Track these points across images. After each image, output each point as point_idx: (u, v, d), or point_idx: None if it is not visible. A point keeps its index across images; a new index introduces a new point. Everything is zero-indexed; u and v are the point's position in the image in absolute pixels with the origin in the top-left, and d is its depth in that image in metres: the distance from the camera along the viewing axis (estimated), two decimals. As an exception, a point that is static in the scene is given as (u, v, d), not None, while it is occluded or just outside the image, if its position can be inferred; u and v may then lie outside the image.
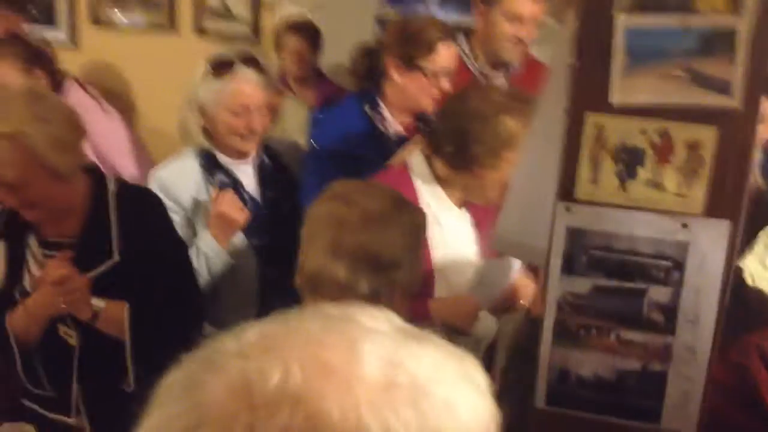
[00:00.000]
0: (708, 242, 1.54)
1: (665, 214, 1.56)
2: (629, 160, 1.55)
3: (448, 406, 0.67)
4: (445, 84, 2.76)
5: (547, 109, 1.75)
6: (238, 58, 2.69)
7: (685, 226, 1.55)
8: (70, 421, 2.26)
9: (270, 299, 2.68)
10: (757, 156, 2.25)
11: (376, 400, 0.64)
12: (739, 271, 1.78)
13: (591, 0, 1.52)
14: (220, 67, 2.67)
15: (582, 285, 1.61)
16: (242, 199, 2.72)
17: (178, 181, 2.70)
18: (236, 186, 2.75)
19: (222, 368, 0.67)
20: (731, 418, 1.84)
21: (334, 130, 2.83)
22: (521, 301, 2.37)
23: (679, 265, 1.57)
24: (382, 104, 2.85)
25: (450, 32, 2.86)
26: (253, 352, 0.67)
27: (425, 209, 2.02)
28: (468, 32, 3.32)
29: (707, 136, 1.52)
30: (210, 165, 2.74)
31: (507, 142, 2.20)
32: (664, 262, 1.57)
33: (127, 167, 3.10)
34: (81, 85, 3.21)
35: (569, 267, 1.61)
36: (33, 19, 4.65)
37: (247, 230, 2.71)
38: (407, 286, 1.83)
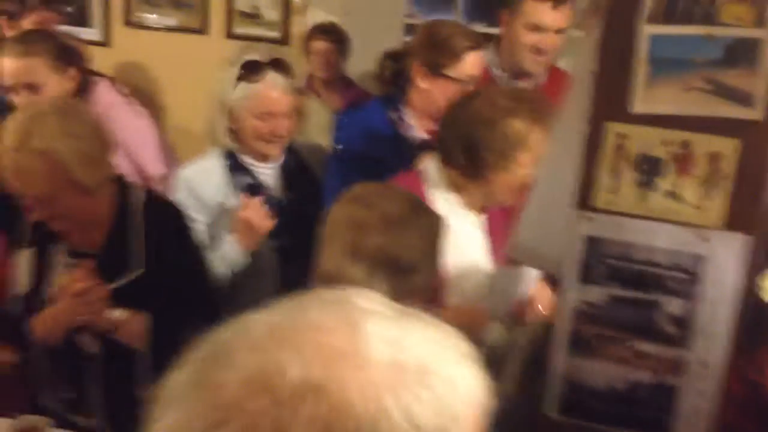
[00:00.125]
0: (726, 256, 1.53)
1: (684, 226, 1.55)
2: (649, 171, 1.55)
3: (451, 382, 0.69)
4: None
5: (569, 118, 1.75)
6: (268, 61, 2.71)
7: (703, 238, 1.54)
8: (89, 422, 2.28)
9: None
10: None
11: (389, 382, 0.65)
12: (756, 287, 1.76)
13: (614, 9, 1.52)
14: (251, 71, 2.68)
15: (597, 294, 1.61)
16: (266, 200, 2.73)
17: (203, 181, 2.72)
18: (260, 187, 2.76)
19: (234, 364, 0.66)
20: (741, 431, 1.82)
21: (358, 133, 2.83)
22: (538, 311, 2.35)
23: (696, 278, 1.56)
24: (406, 109, 2.85)
25: (478, 40, 2.86)
26: (265, 346, 0.67)
27: (438, 215, 2.01)
28: (496, 41, 3.31)
29: (729, 148, 1.51)
30: (234, 166, 2.76)
31: (516, 144, 2.19)
32: (680, 274, 1.56)
33: (153, 166, 3.13)
34: (111, 83, 3.24)
35: (585, 276, 1.60)
36: (67, 18, 4.73)
37: (271, 231, 2.72)
38: (425, 291, 1.83)
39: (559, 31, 3.11)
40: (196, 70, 4.27)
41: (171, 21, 4.74)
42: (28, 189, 2.10)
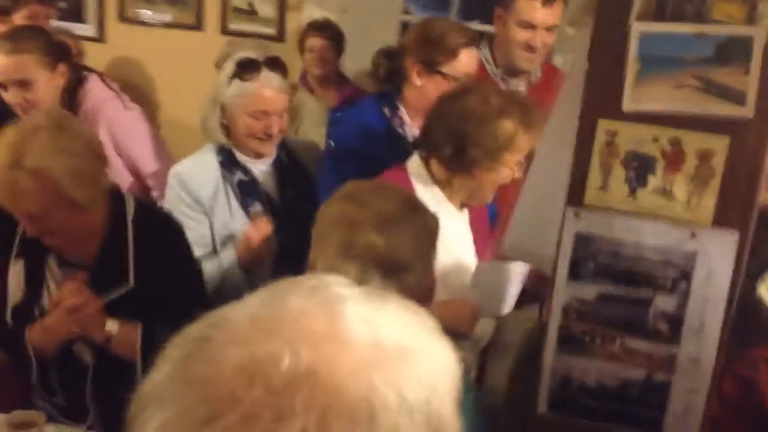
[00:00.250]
0: (716, 253, 1.54)
1: (674, 223, 1.55)
2: (640, 168, 1.55)
3: (427, 355, 0.71)
4: (465, 88, 2.75)
5: (561, 115, 1.76)
6: (263, 60, 2.71)
7: (693, 235, 1.54)
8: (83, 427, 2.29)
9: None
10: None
11: (374, 360, 0.66)
12: (748, 284, 1.77)
13: (607, 7, 1.53)
14: (246, 70, 2.68)
15: (588, 291, 1.61)
16: (258, 196, 2.73)
17: (197, 177, 2.72)
18: (253, 184, 2.76)
19: (219, 358, 0.66)
20: (732, 429, 1.82)
21: (352, 130, 2.83)
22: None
23: (686, 275, 1.56)
24: (400, 106, 2.85)
25: (472, 37, 2.85)
26: (249, 337, 0.67)
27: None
28: (490, 39, 3.31)
29: (719, 146, 1.51)
30: (229, 162, 2.76)
31: (505, 144, 2.19)
32: (670, 271, 1.57)
33: (146, 162, 3.11)
34: (102, 79, 3.23)
35: (576, 273, 1.61)
36: (61, 13, 4.72)
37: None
38: (417, 290, 1.82)
39: (550, 29, 3.11)
40: (191, 67, 4.27)
41: (166, 17, 4.73)
42: (21, 207, 2.08)
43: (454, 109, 2.28)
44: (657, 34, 1.49)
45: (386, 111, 2.84)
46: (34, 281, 2.27)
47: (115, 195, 2.29)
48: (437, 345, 0.73)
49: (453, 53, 2.76)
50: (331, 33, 4.06)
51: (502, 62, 3.25)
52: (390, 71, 2.89)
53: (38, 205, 2.05)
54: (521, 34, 3.11)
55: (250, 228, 2.62)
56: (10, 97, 2.89)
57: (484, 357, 2.51)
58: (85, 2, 4.80)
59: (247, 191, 2.74)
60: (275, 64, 2.71)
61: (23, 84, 2.87)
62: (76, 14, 4.79)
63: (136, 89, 4.62)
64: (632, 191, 1.56)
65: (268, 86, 2.66)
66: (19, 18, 3.39)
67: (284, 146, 2.84)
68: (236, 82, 2.66)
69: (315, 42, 4.04)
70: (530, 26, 3.10)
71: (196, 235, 2.68)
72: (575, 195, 1.59)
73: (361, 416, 0.64)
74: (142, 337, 2.21)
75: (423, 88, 2.80)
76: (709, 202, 1.53)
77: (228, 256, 2.64)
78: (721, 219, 1.53)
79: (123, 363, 2.22)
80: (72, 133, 2.12)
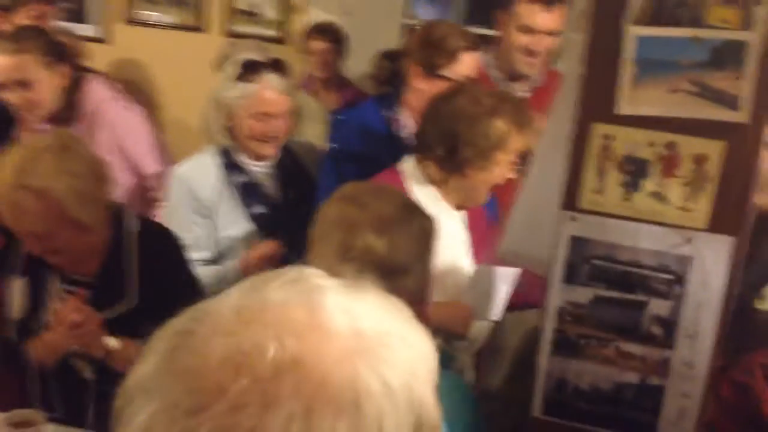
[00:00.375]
0: (711, 257, 1.54)
1: (669, 228, 1.55)
2: (635, 172, 1.55)
3: (406, 342, 0.72)
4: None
5: (558, 119, 1.76)
6: (266, 62, 2.71)
7: (688, 240, 1.55)
8: None
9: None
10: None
11: (356, 348, 0.68)
12: (744, 290, 1.77)
13: (602, 11, 1.53)
14: (248, 71, 2.69)
15: (583, 295, 1.61)
16: (259, 198, 2.74)
17: (199, 179, 2.72)
18: (255, 186, 2.77)
19: (204, 350, 0.67)
20: (726, 432, 1.83)
21: (352, 132, 2.83)
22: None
23: (681, 279, 1.56)
24: (401, 109, 2.85)
25: (473, 41, 2.85)
26: (233, 329, 0.68)
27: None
28: (492, 43, 3.32)
29: (714, 150, 1.51)
30: (230, 164, 2.76)
31: (497, 143, 2.19)
32: (665, 276, 1.57)
33: (147, 163, 3.12)
34: (104, 80, 3.23)
35: (570, 276, 1.61)
36: (65, 13, 4.74)
37: (266, 229, 2.73)
38: (414, 293, 1.82)
39: (551, 34, 3.11)
40: (194, 68, 4.28)
41: (170, 18, 4.75)
42: (24, 226, 2.10)
43: (446, 109, 2.28)
44: (652, 39, 1.49)
45: (386, 113, 2.84)
46: (36, 297, 2.29)
47: (117, 212, 2.31)
48: (414, 332, 0.75)
49: (453, 56, 2.76)
50: (333, 36, 4.07)
51: (503, 66, 3.25)
52: (391, 74, 2.89)
53: (42, 225, 2.07)
54: (522, 39, 3.12)
55: (258, 252, 2.63)
56: (11, 97, 2.90)
57: (480, 359, 2.52)
58: (90, 3, 4.82)
59: (248, 193, 2.74)
60: (277, 66, 2.71)
61: (24, 84, 2.88)
62: (80, 15, 4.81)
63: (140, 90, 4.64)
64: (627, 195, 1.56)
65: (269, 88, 2.67)
66: (21, 17, 3.40)
67: (285, 148, 2.85)
68: (238, 83, 2.66)
69: (318, 45, 4.04)
70: (530, 31, 3.10)
71: (196, 237, 2.69)
72: (570, 198, 1.59)
73: (347, 402, 0.65)
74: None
75: (423, 91, 2.80)
76: (704, 206, 1.53)
77: (232, 268, 2.65)
78: (716, 223, 1.53)
79: (123, 379, 2.23)
80: (76, 154, 2.14)
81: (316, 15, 4.37)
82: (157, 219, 3.01)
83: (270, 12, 4.58)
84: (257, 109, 2.66)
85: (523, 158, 2.27)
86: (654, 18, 1.49)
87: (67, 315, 2.14)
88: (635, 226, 1.57)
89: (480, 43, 2.95)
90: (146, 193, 3.14)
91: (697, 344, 1.58)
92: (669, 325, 1.59)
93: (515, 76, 3.24)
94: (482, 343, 2.39)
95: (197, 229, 2.69)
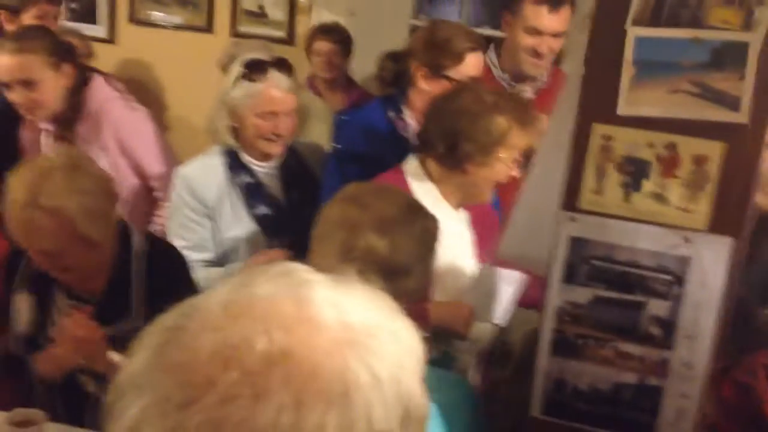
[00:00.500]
0: (710, 258, 1.54)
1: (668, 228, 1.55)
2: (635, 172, 1.55)
3: (393, 334, 0.73)
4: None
5: (561, 119, 1.76)
6: (271, 60, 2.72)
7: (687, 240, 1.55)
8: None
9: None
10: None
11: (345, 340, 0.69)
12: (745, 290, 1.77)
13: (603, 12, 1.53)
14: (253, 70, 2.70)
15: (582, 295, 1.61)
16: (263, 199, 2.75)
17: (203, 180, 2.73)
18: (259, 186, 2.77)
19: (194, 345, 0.68)
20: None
21: (357, 133, 2.84)
22: None
23: (680, 280, 1.56)
24: (406, 109, 2.86)
25: (478, 41, 2.86)
26: (222, 324, 0.69)
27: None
28: (498, 44, 3.32)
29: (714, 151, 1.51)
30: (235, 165, 2.77)
31: (498, 139, 2.20)
32: (665, 276, 1.57)
33: (151, 163, 3.12)
34: (108, 80, 3.24)
35: (570, 276, 1.61)
36: (74, 14, 4.76)
37: (270, 230, 2.73)
38: (417, 294, 1.82)
39: (557, 35, 3.11)
40: (200, 69, 4.29)
41: (176, 19, 4.77)
42: (36, 244, 2.13)
43: (448, 107, 2.29)
44: (653, 39, 1.50)
45: (391, 114, 2.85)
46: (43, 313, 2.31)
47: (123, 230, 2.33)
48: (401, 325, 0.76)
49: (459, 57, 2.76)
50: (338, 37, 4.07)
51: (509, 67, 3.25)
52: (396, 74, 2.89)
53: (54, 243, 2.10)
54: (528, 40, 3.11)
55: (264, 255, 2.63)
56: (15, 96, 2.91)
57: (488, 362, 2.51)
58: (97, 4, 4.84)
59: (252, 194, 2.75)
60: (282, 65, 2.72)
61: (28, 84, 2.89)
62: (87, 15, 4.83)
63: (146, 90, 4.66)
64: (627, 195, 1.57)
65: (275, 86, 2.67)
66: (27, 18, 3.41)
67: (290, 149, 2.85)
68: (244, 83, 2.67)
69: (322, 46, 4.05)
70: (537, 32, 3.10)
71: (200, 237, 2.70)
72: (570, 199, 1.59)
73: (336, 394, 0.66)
74: None
75: (429, 92, 2.80)
76: (703, 207, 1.53)
77: (236, 270, 2.66)
78: (716, 224, 1.53)
79: None
80: (85, 172, 2.18)
81: (322, 15, 4.37)
82: (161, 219, 3.03)
83: (277, 13, 4.59)
84: (264, 108, 2.66)
85: (527, 157, 2.28)
86: (654, 19, 1.49)
87: (74, 330, 2.17)
88: (635, 226, 1.57)
89: (485, 43, 2.95)
90: (150, 193, 3.14)
91: (696, 345, 1.58)
92: (668, 325, 1.59)
93: (521, 77, 3.24)
94: (486, 345, 2.39)
95: (201, 229, 2.70)
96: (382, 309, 0.75)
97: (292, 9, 4.57)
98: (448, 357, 2.28)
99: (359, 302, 0.74)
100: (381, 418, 0.68)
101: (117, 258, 2.28)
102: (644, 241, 1.57)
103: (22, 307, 2.32)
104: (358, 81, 4.19)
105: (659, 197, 1.55)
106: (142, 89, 4.50)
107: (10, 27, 3.37)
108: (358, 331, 0.70)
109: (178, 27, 4.77)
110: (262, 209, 2.76)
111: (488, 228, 2.44)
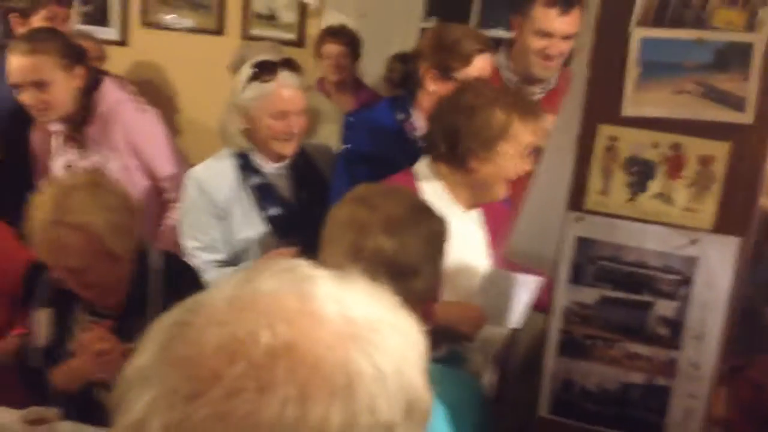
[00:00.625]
0: (717, 258, 1.54)
1: (675, 229, 1.55)
2: (640, 173, 1.56)
3: (395, 328, 0.75)
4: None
5: (566, 119, 1.76)
6: (280, 61, 2.73)
7: (694, 241, 1.55)
8: None
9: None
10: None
11: (348, 333, 0.71)
12: (753, 291, 1.77)
13: (607, 13, 1.54)
14: (264, 71, 2.71)
15: (589, 295, 1.62)
16: (274, 200, 2.76)
17: (214, 181, 2.74)
18: (270, 187, 2.78)
19: (200, 339, 0.70)
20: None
21: (365, 134, 2.85)
22: None
23: (687, 280, 1.56)
24: (414, 111, 2.86)
25: (487, 43, 2.86)
26: (227, 318, 0.71)
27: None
28: (508, 45, 3.32)
29: (720, 151, 1.51)
30: (246, 167, 2.78)
31: (499, 133, 2.19)
32: (672, 276, 1.57)
33: (162, 164, 3.13)
34: (118, 82, 3.26)
35: (577, 276, 1.62)
36: (86, 17, 4.79)
37: (280, 231, 2.74)
38: (425, 295, 1.83)
39: (567, 38, 3.11)
40: (212, 71, 4.31)
41: (188, 22, 4.80)
42: (62, 261, 2.16)
43: (449, 106, 2.29)
44: (657, 40, 1.50)
45: (399, 115, 2.86)
46: (62, 327, 2.34)
47: (141, 247, 2.35)
48: (403, 319, 0.77)
49: (467, 59, 2.77)
50: (347, 39, 4.08)
51: (518, 69, 3.25)
52: (404, 76, 2.90)
53: (80, 260, 2.14)
54: (538, 43, 3.11)
55: (276, 254, 2.64)
56: (27, 98, 2.94)
57: (504, 367, 2.50)
58: (109, 6, 4.88)
59: (263, 195, 2.77)
60: (290, 64, 2.74)
61: (39, 85, 2.91)
62: (99, 18, 4.87)
63: (158, 93, 4.69)
64: (633, 196, 1.57)
65: (286, 86, 2.69)
66: (37, 20, 3.43)
67: (300, 150, 2.86)
68: (254, 84, 2.69)
69: (331, 48, 4.06)
70: (547, 35, 3.10)
71: (211, 239, 2.72)
72: (576, 199, 1.60)
73: (340, 386, 0.68)
74: None
75: (437, 94, 2.81)
76: (709, 207, 1.53)
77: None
78: (722, 224, 1.53)
79: None
80: (108, 189, 2.23)
81: (332, 17, 4.38)
82: (171, 221, 3.05)
83: (287, 15, 4.61)
84: (276, 108, 2.68)
85: (534, 154, 2.27)
86: (658, 20, 1.50)
87: (93, 343, 2.20)
88: (641, 226, 1.57)
89: (493, 45, 2.95)
90: (161, 194, 3.16)
91: (704, 345, 1.58)
92: (675, 325, 1.59)
93: (530, 79, 3.24)
94: (499, 347, 2.38)
95: (212, 231, 2.72)
96: (384, 304, 0.77)
97: (303, 11, 4.59)
98: (456, 356, 2.28)
99: (361, 297, 0.76)
100: (384, 410, 0.69)
101: (135, 274, 2.31)
102: (651, 242, 1.57)
103: (42, 321, 2.36)
104: (368, 82, 4.21)
105: (665, 198, 1.55)
106: (154, 92, 4.53)
107: (20, 29, 3.39)
108: (360, 325, 0.72)
109: (189, 30, 4.80)
110: (274, 210, 2.77)
111: (500, 224, 2.44)
